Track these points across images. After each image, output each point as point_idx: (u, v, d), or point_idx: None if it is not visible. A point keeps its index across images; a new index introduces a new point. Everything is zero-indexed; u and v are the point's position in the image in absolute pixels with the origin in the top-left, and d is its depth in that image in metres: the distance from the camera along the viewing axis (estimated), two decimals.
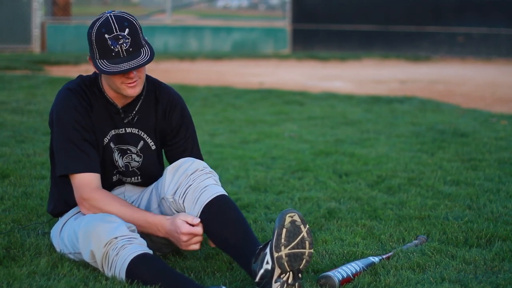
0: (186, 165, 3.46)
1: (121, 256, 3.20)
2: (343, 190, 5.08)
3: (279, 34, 21.19)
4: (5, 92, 10.01)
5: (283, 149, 6.63)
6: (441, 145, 6.80)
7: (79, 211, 3.52)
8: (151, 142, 3.61)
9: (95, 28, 3.34)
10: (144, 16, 22.41)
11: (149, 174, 3.63)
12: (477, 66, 18.33)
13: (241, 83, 12.64)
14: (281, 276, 3.13)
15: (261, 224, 4.26)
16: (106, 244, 3.21)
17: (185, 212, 3.43)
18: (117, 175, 3.60)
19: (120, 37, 3.31)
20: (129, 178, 3.62)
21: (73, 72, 13.49)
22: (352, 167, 5.82)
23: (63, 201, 3.58)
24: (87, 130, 3.44)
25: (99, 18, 3.36)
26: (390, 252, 3.75)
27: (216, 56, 18.36)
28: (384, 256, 3.66)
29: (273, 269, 3.12)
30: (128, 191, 3.65)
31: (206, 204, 3.34)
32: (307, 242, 3.13)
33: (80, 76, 3.55)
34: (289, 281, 3.13)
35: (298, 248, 3.11)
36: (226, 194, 3.41)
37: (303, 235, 3.12)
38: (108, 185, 3.55)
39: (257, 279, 3.17)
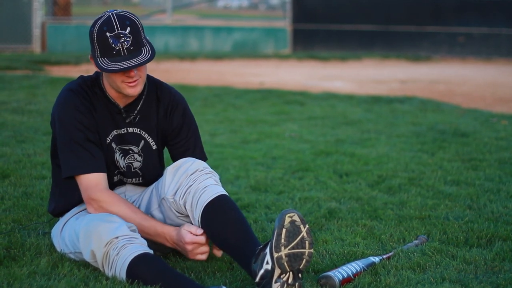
0: (187, 165, 3.46)
1: (122, 255, 3.20)
2: (344, 190, 5.08)
3: (279, 34, 21.19)
4: (6, 92, 10.01)
5: (283, 149, 6.63)
6: (441, 145, 6.80)
7: (80, 211, 3.52)
8: (152, 142, 3.61)
9: (97, 26, 3.34)
10: (144, 16, 22.41)
11: (150, 175, 3.63)
12: (477, 66, 18.33)
13: (242, 83, 12.64)
14: (281, 276, 3.12)
15: (261, 224, 4.26)
16: (106, 244, 3.21)
17: (185, 212, 3.44)
18: (118, 176, 3.60)
19: (121, 35, 3.32)
20: (130, 179, 3.62)
21: (73, 72, 13.49)
22: (352, 167, 5.82)
23: (64, 201, 3.58)
24: (91, 130, 3.44)
25: (101, 17, 3.37)
26: (391, 252, 3.75)
27: (217, 56, 18.36)
28: (384, 256, 3.66)
29: (273, 269, 3.12)
30: (129, 191, 3.65)
31: (207, 204, 3.34)
32: (307, 242, 3.12)
33: (81, 77, 3.55)
34: (289, 281, 3.13)
35: (298, 248, 3.11)
36: (227, 194, 3.41)
37: (303, 235, 3.12)
38: (109, 185, 3.54)
39: (257, 279, 3.17)
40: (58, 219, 3.66)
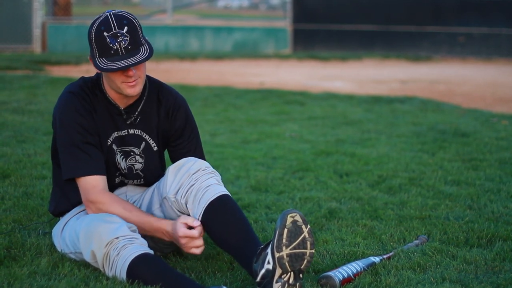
0: (189, 164, 3.47)
1: (122, 256, 3.20)
2: (344, 190, 5.08)
3: (279, 34, 21.18)
4: (6, 92, 10.01)
5: (283, 149, 6.63)
6: (442, 145, 6.80)
7: (81, 211, 3.52)
8: (153, 143, 3.61)
9: (95, 26, 3.34)
10: (145, 16, 22.41)
11: (151, 176, 3.63)
12: (477, 66, 18.32)
13: (242, 83, 12.64)
14: (282, 276, 3.13)
15: (261, 224, 4.26)
16: (107, 244, 3.22)
17: (187, 211, 3.44)
18: (119, 177, 3.60)
19: (118, 35, 3.32)
20: (132, 181, 3.62)
21: (74, 72, 13.49)
22: (353, 167, 5.82)
23: (64, 201, 3.58)
24: (91, 133, 3.44)
25: (99, 17, 3.37)
26: (391, 252, 3.75)
27: (217, 56, 18.36)
28: (384, 256, 3.66)
29: (274, 269, 3.12)
30: (130, 191, 3.65)
31: (208, 204, 3.34)
32: (308, 242, 3.12)
33: (82, 78, 3.54)
34: (290, 281, 3.13)
35: (299, 248, 3.11)
36: (229, 194, 3.41)
37: (305, 235, 3.12)
38: (110, 186, 3.54)
39: (258, 279, 3.17)
40: (59, 219, 3.66)
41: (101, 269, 3.28)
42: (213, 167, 3.57)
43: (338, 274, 3.36)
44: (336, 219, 4.38)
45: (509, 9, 19.66)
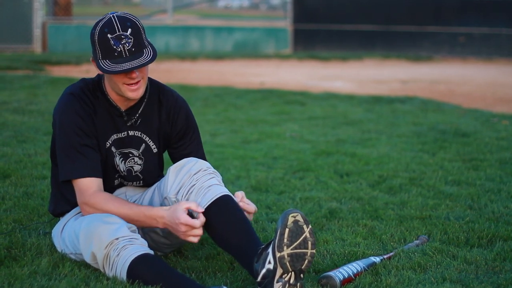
0: (190, 165, 3.46)
1: (122, 256, 3.20)
2: (344, 190, 5.08)
3: (280, 34, 21.19)
4: (7, 92, 10.01)
5: (284, 149, 6.63)
6: (442, 145, 6.80)
7: (80, 212, 3.52)
8: (153, 145, 3.61)
9: (98, 28, 3.34)
10: (145, 16, 22.41)
11: (150, 178, 3.63)
12: (478, 66, 18.32)
13: (242, 83, 12.64)
14: (283, 276, 3.13)
15: (262, 224, 4.26)
16: (107, 245, 3.21)
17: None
18: (119, 179, 3.60)
19: (122, 37, 3.32)
20: (131, 182, 3.62)
21: (74, 72, 13.50)
22: (353, 167, 5.82)
23: (64, 201, 3.58)
24: (89, 136, 3.43)
25: (102, 19, 3.37)
26: (391, 252, 3.75)
27: (217, 56, 18.36)
28: (385, 256, 3.66)
29: (275, 269, 3.13)
30: (129, 191, 3.65)
31: (209, 204, 3.34)
32: (309, 242, 3.12)
33: (83, 80, 3.54)
34: (291, 281, 3.13)
35: (300, 248, 3.11)
36: (230, 194, 3.41)
37: (306, 235, 3.12)
38: (109, 188, 3.55)
39: (258, 279, 3.17)
40: (59, 219, 3.66)
41: (102, 270, 3.28)
42: (214, 167, 3.57)
43: (339, 274, 3.36)
44: (336, 219, 4.38)
45: (509, 9, 19.66)
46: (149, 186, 3.65)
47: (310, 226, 3.14)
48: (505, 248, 3.79)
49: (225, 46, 20.60)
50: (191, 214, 3.27)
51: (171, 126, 3.62)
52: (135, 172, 3.59)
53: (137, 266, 3.18)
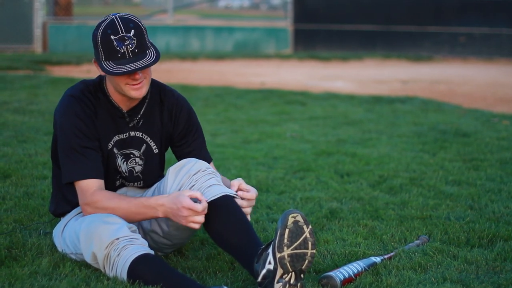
0: (189, 165, 3.47)
1: (123, 256, 3.20)
2: (345, 190, 5.08)
3: (280, 34, 21.18)
4: (7, 92, 10.02)
5: (284, 149, 6.63)
6: (442, 145, 6.80)
7: (80, 212, 3.52)
8: (154, 146, 3.61)
9: (101, 29, 3.33)
10: (146, 16, 22.41)
11: (150, 179, 3.63)
12: (478, 66, 18.32)
13: (243, 83, 12.64)
14: (283, 277, 3.13)
15: (262, 224, 4.26)
16: (107, 245, 3.21)
17: None
18: (120, 180, 3.60)
19: (125, 38, 3.31)
20: (132, 183, 3.62)
21: (75, 72, 13.50)
22: (353, 167, 5.82)
23: (65, 202, 3.58)
24: (90, 138, 3.43)
25: (104, 20, 3.36)
26: (392, 252, 3.75)
27: (218, 56, 18.36)
28: (385, 256, 3.66)
29: (275, 269, 3.13)
30: (130, 191, 3.65)
31: (209, 204, 3.34)
32: (309, 243, 3.13)
33: (84, 81, 3.53)
34: (291, 281, 3.13)
35: (300, 249, 3.11)
36: (230, 194, 3.41)
37: (306, 235, 3.13)
38: (111, 189, 3.54)
39: (259, 279, 3.17)
40: (59, 219, 3.66)
41: (102, 270, 3.28)
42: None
43: (339, 274, 3.36)
44: (337, 219, 4.38)
45: (510, 9, 19.65)
46: (149, 186, 3.66)
47: (310, 227, 3.14)
48: (505, 248, 3.79)
49: (226, 46, 20.60)
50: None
51: (173, 126, 3.63)
52: (136, 172, 3.59)
53: (138, 266, 3.18)
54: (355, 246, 3.86)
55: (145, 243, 3.29)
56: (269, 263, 3.14)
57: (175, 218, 3.28)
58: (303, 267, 3.13)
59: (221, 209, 3.34)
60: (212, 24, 22.72)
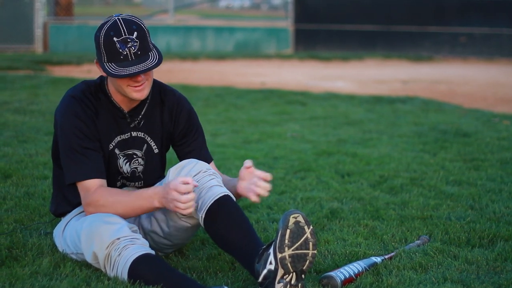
0: (190, 166, 3.46)
1: (123, 256, 3.20)
2: (346, 190, 5.08)
3: (281, 34, 21.18)
4: (8, 92, 10.02)
5: (285, 149, 6.63)
6: (443, 145, 6.80)
7: (81, 212, 3.52)
8: (154, 146, 3.61)
9: (103, 31, 3.33)
10: (146, 16, 22.41)
11: (151, 179, 3.63)
12: (479, 66, 18.32)
13: (243, 83, 12.64)
14: (284, 277, 3.13)
15: (263, 224, 4.26)
16: (108, 245, 3.22)
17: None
18: (121, 181, 3.60)
19: (128, 40, 3.31)
20: (133, 183, 3.62)
21: (75, 72, 13.50)
22: (354, 167, 5.82)
23: (66, 202, 3.58)
24: (91, 138, 3.43)
25: (107, 21, 3.35)
26: (393, 252, 3.75)
27: (219, 56, 18.36)
28: (386, 256, 3.66)
29: (276, 269, 3.13)
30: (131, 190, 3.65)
31: (210, 205, 3.34)
32: (310, 243, 3.13)
33: (85, 82, 3.53)
34: (292, 281, 3.13)
35: (301, 249, 3.11)
36: (230, 194, 3.41)
37: (307, 236, 3.13)
38: None
39: (260, 279, 3.17)
40: (60, 219, 3.67)
41: (103, 270, 3.28)
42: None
43: (340, 274, 3.36)
44: (337, 219, 4.38)
45: (510, 9, 19.66)
46: (149, 186, 3.65)
47: (311, 227, 3.14)
48: (506, 248, 3.79)
49: (226, 46, 20.60)
50: None
51: (174, 125, 3.63)
52: (138, 173, 3.60)
53: (138, 266, 3.18)
54: (356, 246, 3.86)
55: (146, 243, 3.29)
56: (270, 263, 3.14)
57: (166, 204, 3.26)
58: (304, 268, 3.13)
59: (221, 209, 3.34)
60: (212, 24, 22.72)
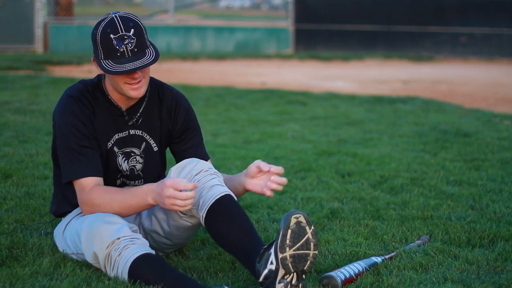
0: (191, 165, 3.46)
1: (124, 256, 3.20)
2: (346, 190, 5.08)
3: (281, 34, 21.18)
4: (8, 92, 10.02)
5: (285, 149, 6.63)
6: (443, 145, 6.79)
7: (81, 212, 3.52)
8: (153, 144, 3.61)
9: (100, 28, 3.34)
10: (146, 16, 22.41)
11: (151, 177, 3.63)
12: (479, 66, 18.32)
13: (244, 83, 12.64)
14: (285, 277, 3.13)
15: (263, 224, 4.26)
16: (108, 245, 3.22)
17: (190, 211, 3.43)
18: (121, 179, 3.60)
19: (125, 37, 3.32)
20: (133, 182, 3.62)
21: (75, 72, 13.50)
22: (354, 167, 5.82)
23: (66, 202, 3.58)
24: (88, 137, 3.43)
25: (104, 19, 3.37)
26: (393, 252, 3.75)
27: (219, 56, 18.36)
28: (386, 256, 3.66)
29: (277, 269, 3.13)
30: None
31: (211, 205, 3.34)
32: (311, 244, 3.13)
33: (82, 81, 3.53)
34: (293, 282, 3.13)
35: (302, 249, 3.11)
36: (231, 194, 3.41)
37: (308, 236, 3.13)
38: None
39: (260, 279, 3.17)
40: (61, 219, 3.67)
41: (103, 270, 3.28)
42: (215, 167, 3.57)
43: (340, 274, 3.36)
44: (338, 219, 4.38)
45: (511, 9, 19.66)
46: None
47: (312, 227, 3.14)
48: (506, 248, 3.79)
49: (227, 46, 20.60)
50: None
51: (172, 123, 3.63)
52: (137, 171, 3.60)
53: (139, 266, 3.18)
54: (356, 246, 3.86)
55: (146, 243, 3.29)
56: (271, 263, 3.14)
57: (160, 200, 3.24)
58: (305, 268, 3.13)
59: (222, 209, 3.34)
60: (213, 24, 22.72)
